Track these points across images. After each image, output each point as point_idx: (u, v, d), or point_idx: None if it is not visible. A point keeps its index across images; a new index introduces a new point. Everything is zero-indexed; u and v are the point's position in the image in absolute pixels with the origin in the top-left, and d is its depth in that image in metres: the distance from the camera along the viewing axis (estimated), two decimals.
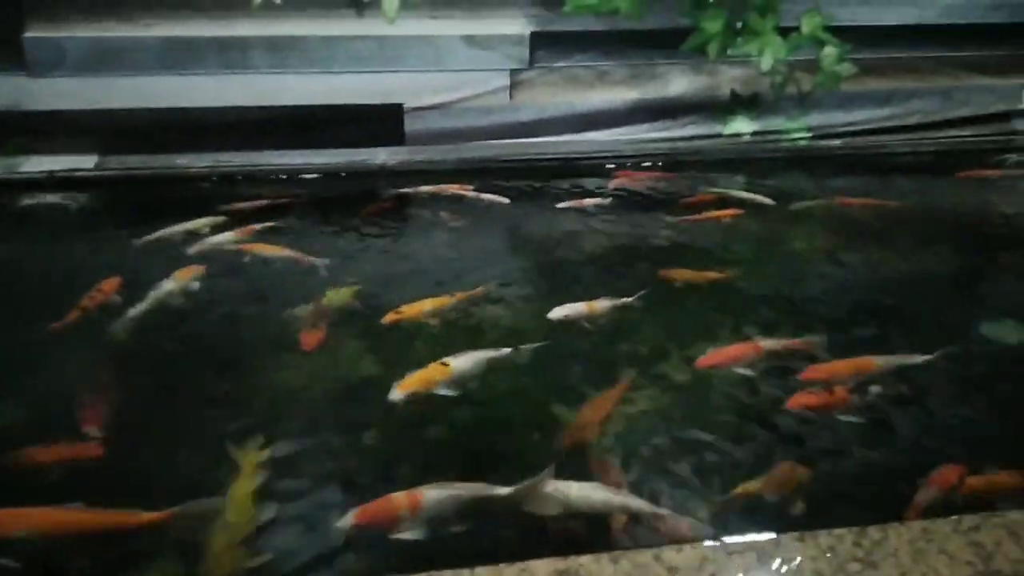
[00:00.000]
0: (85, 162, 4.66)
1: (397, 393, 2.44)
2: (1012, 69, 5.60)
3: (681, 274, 3.44)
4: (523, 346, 2.79)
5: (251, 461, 2.29)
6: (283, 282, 3.44)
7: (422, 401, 2.46)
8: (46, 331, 2.94)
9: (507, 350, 2.74)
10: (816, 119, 5.49)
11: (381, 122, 4.88)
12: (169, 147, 4.73)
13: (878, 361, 2.65)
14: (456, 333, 2.96)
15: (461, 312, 3.09)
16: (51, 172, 4.55)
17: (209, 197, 4.40)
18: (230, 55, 4.59)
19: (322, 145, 4.87)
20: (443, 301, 3.09)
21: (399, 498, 2.00)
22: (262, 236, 3.82)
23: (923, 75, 5.53)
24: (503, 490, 2.05)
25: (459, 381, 2.55)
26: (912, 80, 5.52)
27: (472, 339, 2.88)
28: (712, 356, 2.68)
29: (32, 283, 3.42)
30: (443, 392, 2.48)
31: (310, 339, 2.89)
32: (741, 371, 2.61)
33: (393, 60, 4.76)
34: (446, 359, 2.58)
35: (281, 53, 4.63)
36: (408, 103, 4.86)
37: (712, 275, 3.43)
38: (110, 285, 3.24)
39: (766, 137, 5.47)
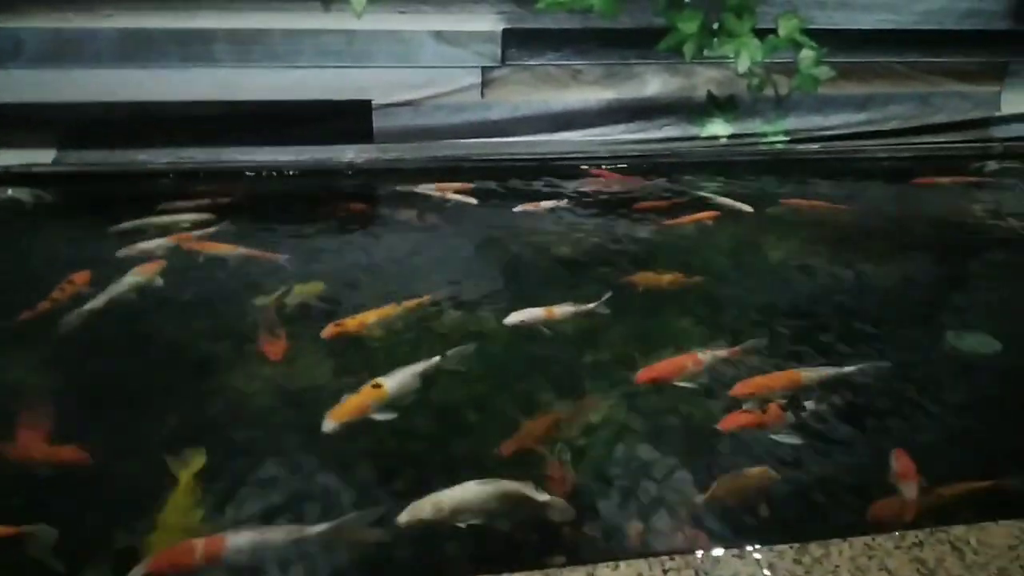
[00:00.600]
0: (43, 157, 4.55)
1: (330, 423, 2.28)
2: (989, 76, 5.57)
3: (644, 279, 3.36)
4: (450, 352, 2.66)
5: (189, 475, 2.19)
6: (245, 281, 3.33)
7: (357, 428, 2.31)
8: (12, 322, 2.87)
9: (437, 359, 2.61)
10: (794, 123, 5.43)
11: (349, 119, 4.78)
12: (129, 142, 4.61)
13: (807, 374, 2.56)
14: (416, 340, 2.85)
15: (409, 321, 2.95)
16: (7, 167, 4.43)
17: (170, 194, 4.32)
18: (192, 48, 4.47)
19: (288, 142, 4.77)
20: (388, 311, 2.93)
21: (196, 544, 1.86)
22: (222, 234, 3.73)
23: (900, 80, 5.49)
24: (317, 528, 1.93)
25: (395, 402, 2.41)
26: (889, 85, 5.47)
27: (434, 346, 2.76)
28: (650, 370, 2.56)
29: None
30: (379, 417, 2.33)
31: (273, 348, 2.75)
32: (682, 384, 2.52)
33: (361, 55, 4.65)
34: (379, 379, 2.42)
35: (245, 46, 4.51)
36: (377, 99, 4.77)
37: (676, 279, 3.36)
38: (81, 278, 3.18)
39: (743, 140, 5.40)
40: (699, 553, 1.58)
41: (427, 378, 2.53)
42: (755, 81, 5.22)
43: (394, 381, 2.45)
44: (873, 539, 1.65)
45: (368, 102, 4.77)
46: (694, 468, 2.13)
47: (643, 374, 2.54)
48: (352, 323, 2.82)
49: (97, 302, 3.04)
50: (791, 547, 1.62)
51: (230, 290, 3.27)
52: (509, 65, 4.88)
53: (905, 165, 5.36)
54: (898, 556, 1.60)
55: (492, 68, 4.86)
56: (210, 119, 4.64)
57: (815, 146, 5.42)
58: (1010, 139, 5.58)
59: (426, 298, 3.06)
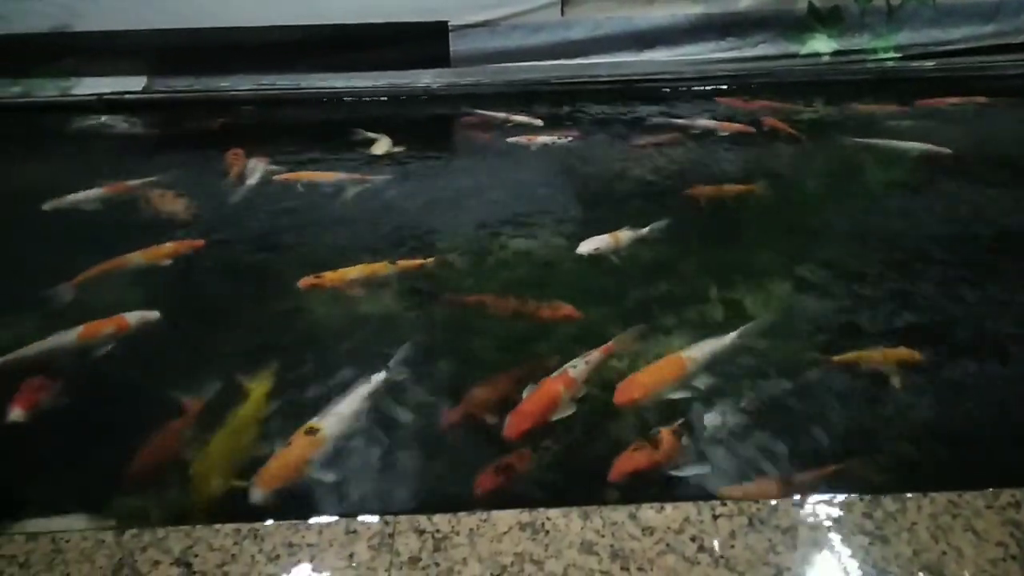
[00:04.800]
0: (133, 84, 4.67)
1: (259, 493, 1.80)
2: None
3: (704, 192, 3.26)
4: (393, 364, 2.20)
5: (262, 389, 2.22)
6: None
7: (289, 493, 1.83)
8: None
9: (382, 374, 2.15)
10: (907, 37, 4.92)
11: (425, 42, 4.66)
12: (213, 68, 4.67)
13: (691, 353, 2.16)
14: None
15: (394, 282, 2.64)
16: (100, 94, 4.58)
17: (254, 121, 4.39)
18: None
19: (365, 67, 4.70)
20: (376, 268, 2.64)
21: None
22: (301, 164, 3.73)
23: None
24: None
25: (336, 453, 1.93)
26: None
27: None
28: (519, 418, 1.97)
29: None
30: (323, 477, 1.86)
31: None
32: (562, 415, 2.00)
33: None
34: (314, 422, 1.96)
35: None
36: (453, 20, 4.62)
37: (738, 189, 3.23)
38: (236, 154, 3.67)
39: (848, 58, 4.94)
40: (754, 501, 1.47)
41: (377, 399, 2.08)
42: None
43: (334, 422, 1.98)
44: (960, 495, 1.48)
45: (444, 23, 4.62)
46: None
47: (510, 429, 1.95)
48: (331, 277, 2.59)
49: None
50: (862, 499, 1.48)
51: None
52: None
53: None
54: (988, 517, 1.43)
55: None
56: (289, 45, 4.63)
57: (931, 63, 4.89)
58: None
59: (431, 260, 2.76)
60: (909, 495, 1.48)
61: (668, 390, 2.07)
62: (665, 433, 1.93)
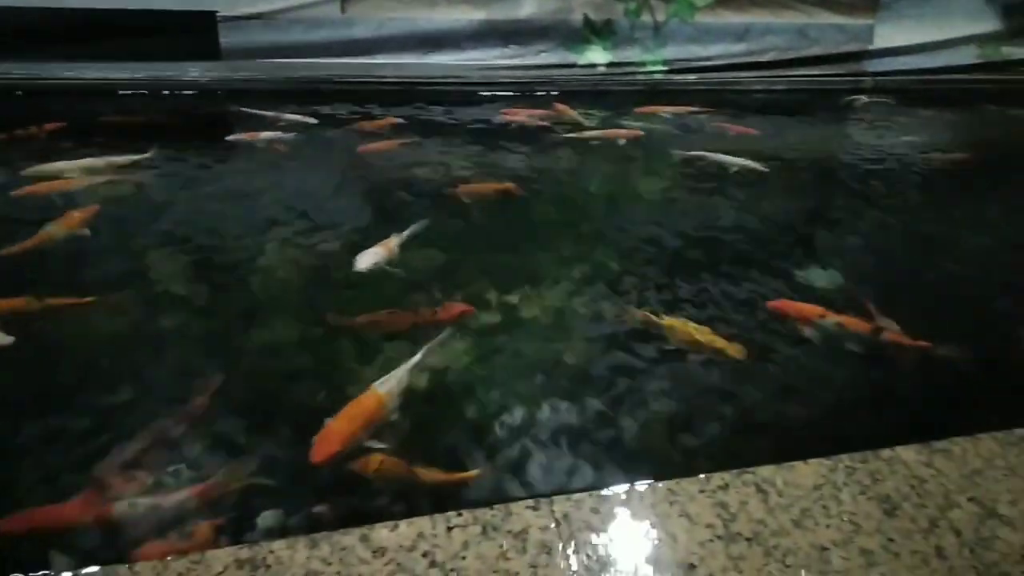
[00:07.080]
0: None
1: None
2: (863, 8, 5.58)
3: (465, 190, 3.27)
4: None
5: None
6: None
7: None
8: None
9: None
10: (673, 52, 5.32)
11: (192, 32, 4.32)
12: None
13: (387, 387, 1.94)
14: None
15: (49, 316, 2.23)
16: None
17: None
18: None
19: (122, 57, 4.27)
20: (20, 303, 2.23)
21: None
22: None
23: (778, 10, 5.44)
24: None
25: None
26: (767, 14, 5.41)
27: None
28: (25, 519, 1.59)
29: None
30: None
31: None
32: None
33: None
34: None
35: None
36: (222, 11, 4.32)
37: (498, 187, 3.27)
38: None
39: (623, 69, 5.25)
40: (486, 508, 1.45)
41: None
42: (632, 5, 5.04)
43: None
44: (678, 483, 1.56)
45: (212, 14, 4.31)
46: None
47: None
48: None
49: None
50: (591, 494, 1.52)
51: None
52: None
53: (778, 98, 5.36)
54: (701, 500, 1.53)
55: None
56: (30, 29, 4.08)
57: (692, 77, 5.33)
58: (881, 73, 5.66)
59: (89, 300, 2.30)
60: (639, 486, 1.54)
61: (369, 432, 1.83)
62: (203, 525, 1.65)
